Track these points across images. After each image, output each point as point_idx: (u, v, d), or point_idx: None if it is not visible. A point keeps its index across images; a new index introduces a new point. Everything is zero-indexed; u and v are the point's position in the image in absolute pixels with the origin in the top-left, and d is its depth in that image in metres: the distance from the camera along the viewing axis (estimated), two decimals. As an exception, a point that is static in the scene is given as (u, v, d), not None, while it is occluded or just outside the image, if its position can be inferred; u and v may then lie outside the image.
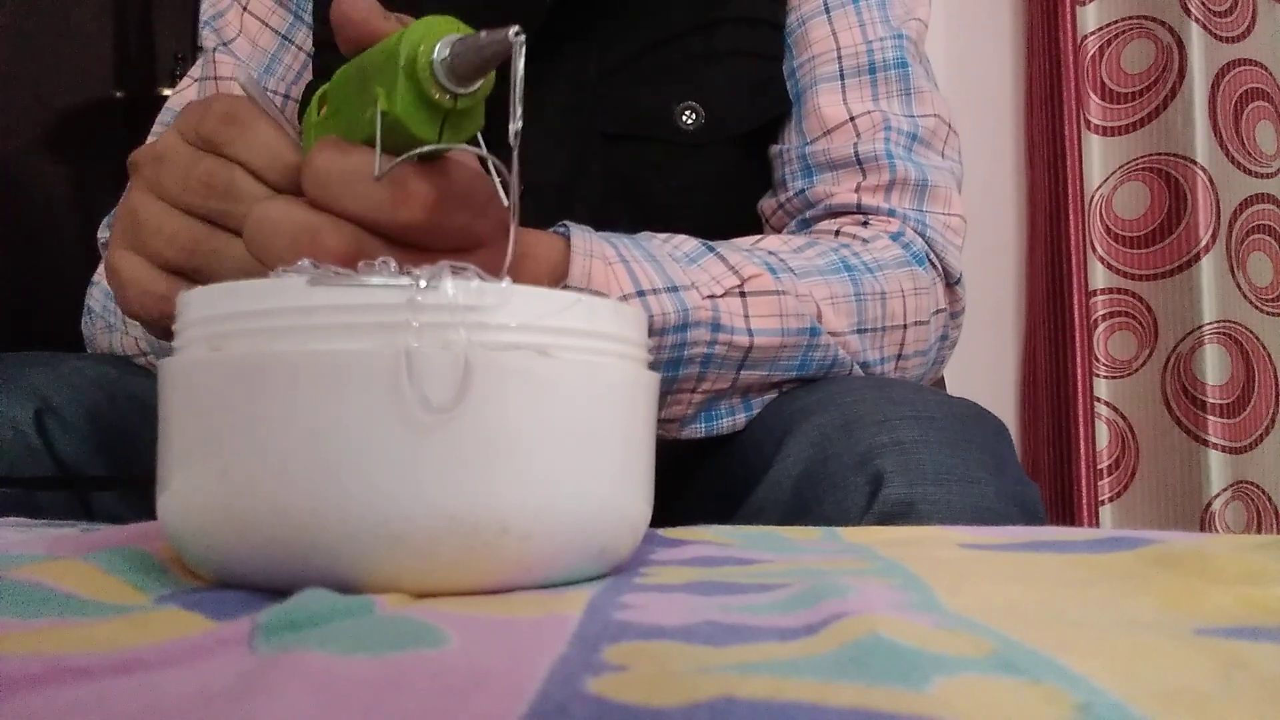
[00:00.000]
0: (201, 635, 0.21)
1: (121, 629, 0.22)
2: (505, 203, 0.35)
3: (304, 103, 0.70)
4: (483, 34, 0.32)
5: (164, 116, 0.73)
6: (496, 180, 0.37)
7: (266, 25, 0.72)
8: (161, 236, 0.39)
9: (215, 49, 0.72)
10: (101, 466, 0.57)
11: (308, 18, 0.73)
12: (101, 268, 0.69)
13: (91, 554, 0.28)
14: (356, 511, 0.25)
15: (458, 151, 0.37)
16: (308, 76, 0.72)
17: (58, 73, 1.37)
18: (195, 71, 0.74)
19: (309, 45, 0.73)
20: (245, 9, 0.72)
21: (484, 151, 0.35)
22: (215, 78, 0.71)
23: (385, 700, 0.16)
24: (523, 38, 0.31)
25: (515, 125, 0.33)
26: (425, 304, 0.25)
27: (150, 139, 0.73)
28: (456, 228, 0.37)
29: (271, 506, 0.25)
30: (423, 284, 0.25)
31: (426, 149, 0.34)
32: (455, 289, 0.26)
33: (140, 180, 0.41)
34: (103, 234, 0.72)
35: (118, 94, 1.42)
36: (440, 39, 0.33)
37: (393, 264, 0.27)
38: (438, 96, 0.33)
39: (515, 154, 0.33)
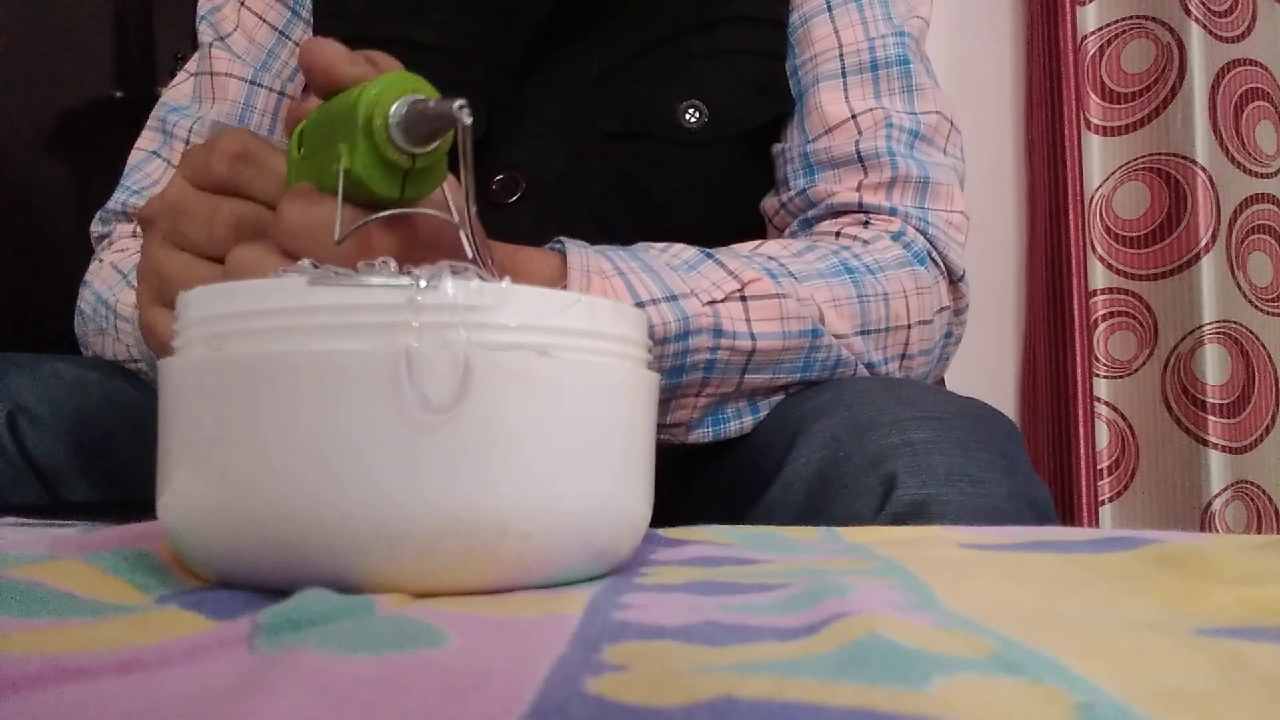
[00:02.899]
0: (201, 635, 0.21)
1: (121, 629, 0.22)
2: (470, 253, 0.36)
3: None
4: (431, 102, 0.33)
5: (158, 111, 0.73)
6: (462, 231, 0.37)
7: (264, 21, 0.72)
8: (193, 287, 0.40)
9: (212, 44, 0.72)
10: (76, 468, 0.57)
11: (305, 14, 0.72)
12: (93, 268, 0.68)
13: (91, 554, 0.28)
14: (356, 511, 0.25)
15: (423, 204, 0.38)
16: None
17: (58, 73, 1.37)
18: (191, 66, 0.74)
19: None
20: (243, 4, 0.72)
21: (443, 214, 0.36)
22: (211, 73, 0.71)
23: (385, 700, 0.16)
24: (467, 110, 0.32)
25: (469, 190, 0.34)
26: (425, 304, 0.25)
27: (143, 135, 0.73)
28: None
29: (271, 506, 0.25)
30: (423, 284, 0.25)
31: (384, 215, 0.35)
32: (455, 289, 0.26)
33: (157, 234, 0.41)
34: (95, 228, 0.71)
35: (118, 94, 1.41)
36: (398, 99, 0.34)
37: (393, 264, 0.27)
38: (394, 157, 0.34)
39: (472, 219, 0.34)
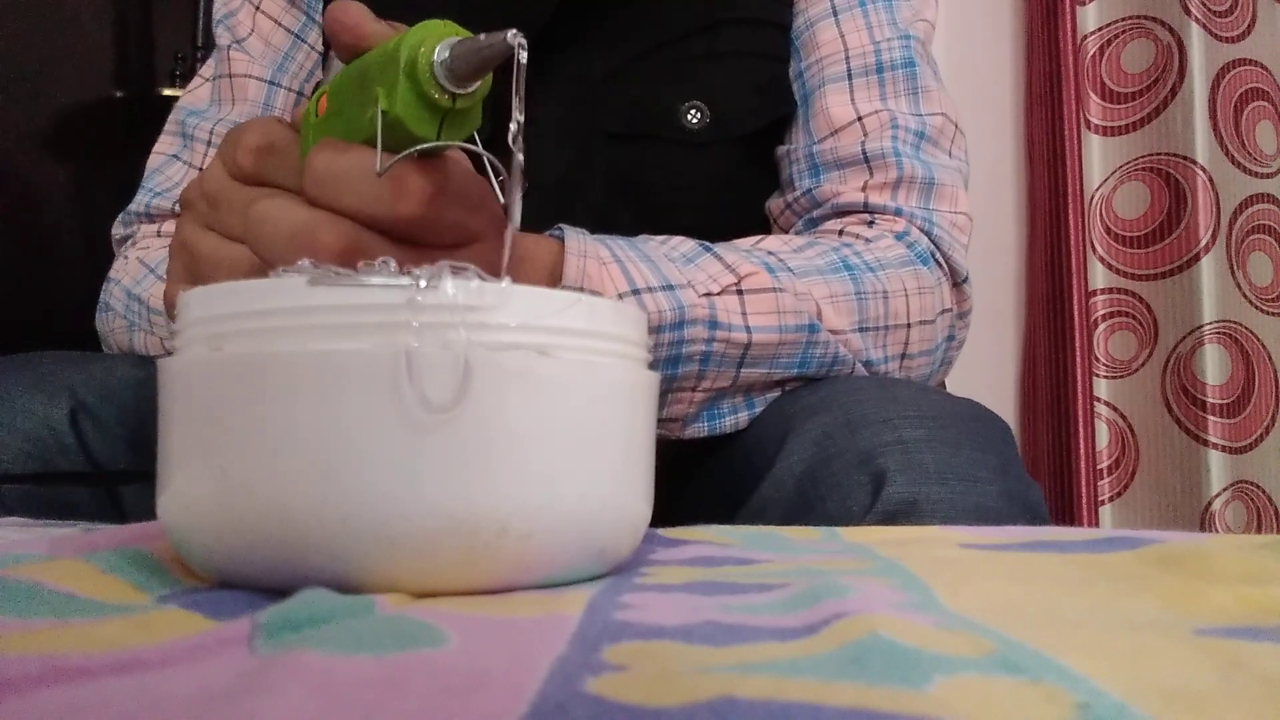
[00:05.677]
0: (201, 635, 0.21)
1: (121, 629, 0.22)
2: (501, 200, 0.36)
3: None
4: (482, 36, 0.33)
5: (176, 115, 0.73)
6: (493, 178, 0.37)
7: (279, 25, 0.73)
8: (222, 269, 0.39)
9: (229, 46, 0.72)
10: (132, 465, 0.57)
11: (319, 18, 0.73)
12: (118, 265, 0.69)
13: (91, 554, 0.28)
14: (356, 511, 0.25)
15: (454, 151, 0.38)
16: (319, 75, 0.73)
17: (58, 73, 1.37)
18: (207, 70, 0.75)
19: (321, 45, 0.73)
20: (258, 8, 0.73)
21: (482, 150, 0.36)
22: (230, 75, 0.72)
23: (385, 700, 0.16)
24: (521, 39, 0.32)
25: (517, 122, 0.33)
26: (425, 304, 0.25)
27: (161, 140, 0.73)
28: (452, 222, 0.38)
29: (271, 506, 0.25)
30: (423, 284, 0.25)
31: (426, 146, 0.35)
32: (455, 289, 0.26)
33: (194, 217, 0.41)
34: (118, 230, 0.72)
35: (118, 94, 1.41)
36: (440, 41, 0.34)
37: (393, 264, 0.27)
38: (437, 97, 0.34)
39: (519, 155, 0.33)
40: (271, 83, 0.71)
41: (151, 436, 0.58)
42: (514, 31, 0.32)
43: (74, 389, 0.56)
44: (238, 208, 0.39)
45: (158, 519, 0.29)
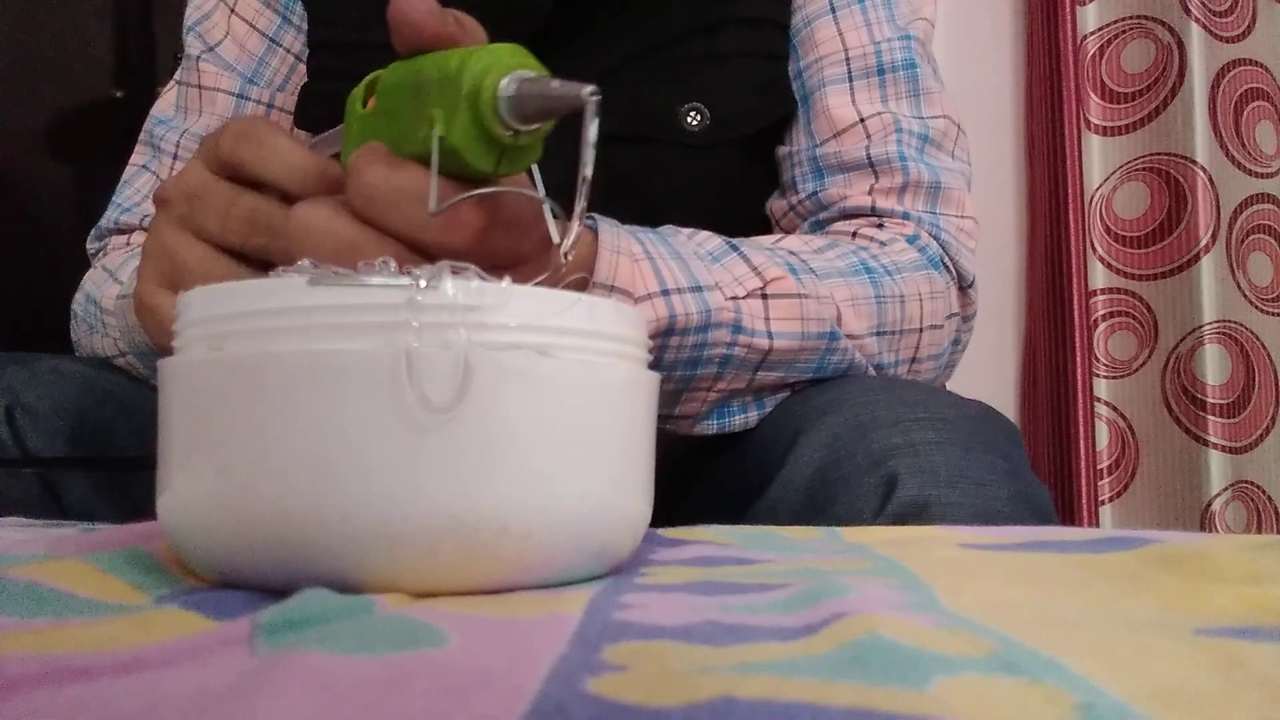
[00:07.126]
0: (201, 635, 0.21)
1: (121, 629, 0.22)
2: (554, 234, 0.35)
3: (300, 105, 0.70)
4: (555, 83, 0.31)
5: (147, 125, 0.73)
6: (546, 209, 0.36)
7: (254, 28, 0.71)
8: (209, 280, 0.38)
9: (199, 56, 0.71)
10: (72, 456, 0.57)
11: (297, 20, 0.72)
12: (88, 275, 0.68)
13: (91, 554, 0.28)
14: (356, 511, 0.25)
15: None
16: (296, 81, 0.72)
17: (58, 73, 1.37)
18: (179, 75, 0.74)
19: (296, 48, 0.72)
20: (233, 10, 0.71)
21: (544, 196, 0.34)
22: (200, 86, 0.71)
23: (385, 700, 0.16)
24: (598, 98, 0.31)
25: (585, 173, 0.32)
26: (425, 304, 0.25)
27: (136, 149, 0.73)
28: (502, 250, 0.37)
29: (271, 506, 0.25)
30: (423, 284, 0.25)
31: (485, 191, 0.33)
32: (455, 289, 0.26)
33: (172, 217, 0.40)
34: (91, 245, 0.72)
35: (118, 94, 1.42)
36: (506, 72, 0.32)
37: (393, 264, 0.27)
38: (498, 131, 0.32)
39: (581, 204, 0.32)
40: (240, 95, 0.71)
41: (95, 433, 0.58)
42: (592, 88, 0.30)
43: (12, 387, 0.56)
44: (218, 206, 0.39)
45: (158, 519, 0.29)
